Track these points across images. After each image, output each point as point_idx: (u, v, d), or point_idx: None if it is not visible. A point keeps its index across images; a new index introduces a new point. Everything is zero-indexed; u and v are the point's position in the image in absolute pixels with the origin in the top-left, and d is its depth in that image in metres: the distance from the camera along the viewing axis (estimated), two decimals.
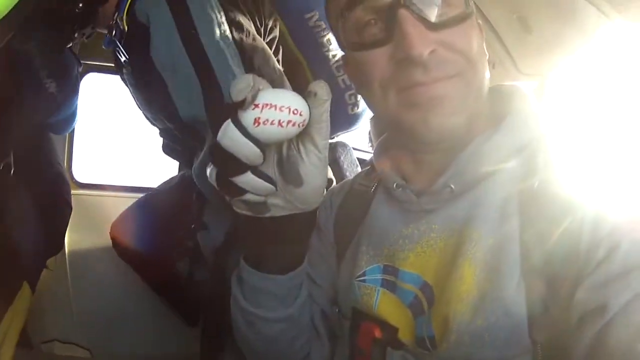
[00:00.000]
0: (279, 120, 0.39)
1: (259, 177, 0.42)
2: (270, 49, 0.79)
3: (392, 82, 0.47)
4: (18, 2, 0.64)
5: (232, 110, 0.39)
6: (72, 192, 1.35)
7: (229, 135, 0.39)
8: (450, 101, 0.45)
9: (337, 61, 0.87)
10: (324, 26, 0.84)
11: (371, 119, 1.53)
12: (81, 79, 1.36)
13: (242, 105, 0.39)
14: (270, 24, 0.81)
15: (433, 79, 0.45)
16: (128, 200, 1.52)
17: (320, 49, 0.85)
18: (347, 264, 0.59)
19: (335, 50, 0.86)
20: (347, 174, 1.05)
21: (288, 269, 0.52)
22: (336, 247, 0.63)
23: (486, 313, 0.43)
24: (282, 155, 0.45)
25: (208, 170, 0.44)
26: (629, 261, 0.37)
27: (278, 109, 0.39)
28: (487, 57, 0.51)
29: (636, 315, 0.35)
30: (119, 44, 0.77)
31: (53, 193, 1.19)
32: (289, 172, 0.44)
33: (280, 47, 0.85)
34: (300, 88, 0.81)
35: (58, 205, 1.21)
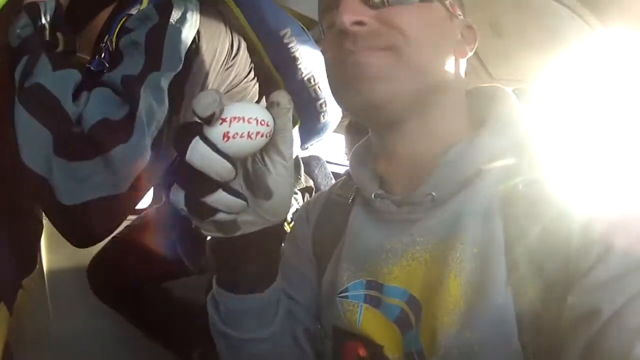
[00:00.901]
0: (248, 133, 0.39)
1: (231, 194, 0.41)
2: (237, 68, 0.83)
3: (336, 59, 0.49)
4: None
5: (199, 127, 0.38)
6: None
7: (199, 153, 0.38)
8: (373, 68, 0.46)
9: (307, 73, 0.92)
10: (295, 41, 0.90)
11: (345, 129, 1.54)
12: None
13: (210, 120, 0.38)
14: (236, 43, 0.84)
15: (360, 47, 0.46)
16: None
17: (293, 62, 0.91)
18: (328, 280, 0.57)
19: (305, 64, 0.92)
20: (322, 187, 1.05)
21: (264, 286, 0.51)
22: (316, 263, 0.61)
23: (475, 324, 0.42)
24: (247, 169, 0.44)
25: (171, 195, 0.42)
26: (623, 264, 0.36)
27: (246, 121, 0.39)
28: (457, 51, 0.51)
29: (631, 319, 0.34)
30: (107, 65, 0.76)
31: (23, 209, 1.16)
32: (257, 186, 0.44)
33: (253, 64, 0.89)
34: None
35: (29, 221, 1.18)
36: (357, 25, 0.46)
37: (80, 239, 0.65)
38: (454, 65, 0.50)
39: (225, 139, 0.38)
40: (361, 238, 0.54)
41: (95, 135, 0.61)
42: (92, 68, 0.80)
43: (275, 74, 0.92)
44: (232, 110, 0.39)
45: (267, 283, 0.51)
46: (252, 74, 0.90)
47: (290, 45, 0.90)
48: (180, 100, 0.71)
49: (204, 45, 0.74)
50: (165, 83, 0.67)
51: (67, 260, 1.43)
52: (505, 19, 0.96)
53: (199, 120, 0.38)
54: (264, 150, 0.43)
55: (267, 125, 0.40)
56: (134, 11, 0.76)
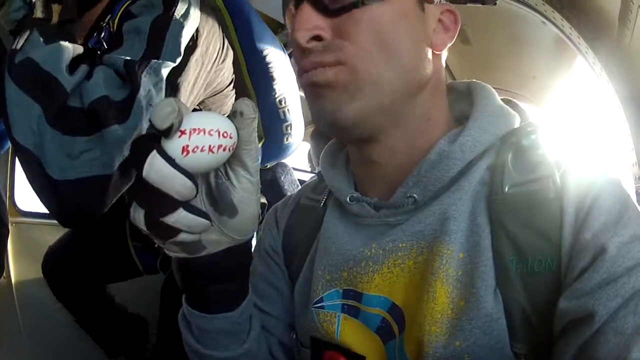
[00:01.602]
0: (210, 146, 0.35)
1: (192, 213, 0.37)
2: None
3: (298, 74, 0.47)
4: None
5: (156, 140, 0.35)
6: (15, 219, 1.31)
7: (157, 169, 0.34)
8: (332, 90, 0.43)
9: (280, 94, 0.95)
10: (273, 62, 0.93)
11: (311, 135, 1.52)
12: None
13: (168, 133, 0.34)
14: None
15: (312, 64, 0.43)
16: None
17: (270, 82, 0.94)
18: (301, 289, 0.54)
19: (280, 85, 0.95)
20: (288, 194, 1.03)
21: (235, 305, 0.48)
22: (287, 272, 0.58)
23: (464, 333, 0.40)
24: (210, 185, 0.41)
25: (132, 213, 0.38)
26: (616, 267, 0.35)
27: (207, 133, 0.35)
28: (433, 44, 0.46)
29: (627, 322, 0.33)
30: (105, 44, 0.76)
31: None
32: (221, 203, 0.40)
33: (234, 76, 0.90)
34: None
35: None
36: (314, 41, 0.43)
37: (67, 217, 0.64)
38: (430, 62, 0.46)
39: (185, 153, 0.35)
40: (336, 245, 0.50)
41: (94, 111, 0.61)
42: (89, 45, 0.80)
43: (250, 89, 0.93)
44: (192, 121, 0.35)
45: (238, 301, 0.48)
46: (232, 84, 0.90)
47: (270, 65, 0.92)
48: (174, 93, 0.72)
49: (200, 42, 0.76)
50: (164, 72, 0.68)
51: (34, 269, 1.40)
52: (474, 26, 0.95)
53: (157, 132, 0.35)
54: (227, 163, 0.40)
55: (230, 138, 0.37)
56: None
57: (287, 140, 0.99)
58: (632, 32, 0.90)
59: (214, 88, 0.84)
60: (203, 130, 0.35)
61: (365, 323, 0.47)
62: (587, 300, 0.35)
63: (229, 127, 0.37)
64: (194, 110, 0.75)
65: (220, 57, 0.83)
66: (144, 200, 0.37)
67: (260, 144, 0.94)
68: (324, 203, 0.56)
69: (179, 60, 0.70)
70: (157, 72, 0.67)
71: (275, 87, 0.94)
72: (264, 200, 0.97)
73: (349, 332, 0.47)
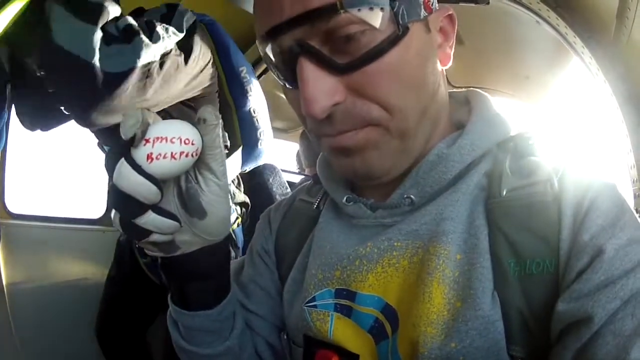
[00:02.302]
0: (172, 153, 0.38)
1: (161, 215, 0.41)
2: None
3: (313, 132, 0.46)
4: None
5: (125, 148, 0.38)
6: (5, 221, 1.30)
7: (124, 176, 0.38)
8: (363, 152, 0.43)
9: (253, 105, 1.12)
10: (248, 78, 1.13)
11: (300, 137, 1.52)
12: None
13: (132, 142, 0.38)
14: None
15: (338, 131, 0.42)
16: (64, 232, 1.48)
17: (245, 94, 1.12)
18: (290, 289, 0.54)
19: (253, 97, 1.12)
20: (277, 196, 1.05)
21: (215, 302, 0.50)
22: (277, 272, 0.58)
23: (460, 335, 0.40)
24: (181, 188, 0.43)
25: (112, 216, 0.42)
26: (614, 270, 0.35)
27: (169, 141, 0.38)
28: (441, 59, 0.45)
29: (625, 324, 0.33)
30: None
31: None
32: (190, 205, 0.43)
33: (218, 89, 1.07)
34: (228, 126, 1.00)
35: None
36: (331, 108, 0.41)
37: (102, 107, 0.82)
38: (441, 83, 0.46)
39: (149, 160, 0.38)
40: (331, 244, 0.51)
41: (127, 30, 0.83)
42: None
43: (230, 101, 1.09)
44: (156, 130, 0.38)
45: (218, 299, 0.50)
46: (218, 94, 1.06)
47: (245, 81, 1.11)
48: (187, 54, 0.92)
49: (198, 38, 0.96)
50: (174, 35, 0.88)
51: (26, 273, 1.40)
52: (466, 26, 0.93)
53: (125, 142, 0.38)
54: (196, 167, 0.42)
55: (193, 144, 0.39)
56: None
57: (260, 145, 1.13)
58: (630, 30, 0.87)
59: (205, 87, 0.98)
60: (165, 139, 0.38)
61: (358, 322, 0.46)
62: (586, 302, 0.35)
63: (190, 134, 0.39)
64: (186, 105, 0.95)
65: (209, 62, 0.98)
66: (116, 203, 0.40)
67: (240, 149, 1.06)
68: (317, 205, 0.57)
69: (182, 35, 0.90)
70: (168, 30, 0.87)
71: (250, 98, 1.11)
72: (246, 199, 1.05)
73: (342, 331, 0.47)
